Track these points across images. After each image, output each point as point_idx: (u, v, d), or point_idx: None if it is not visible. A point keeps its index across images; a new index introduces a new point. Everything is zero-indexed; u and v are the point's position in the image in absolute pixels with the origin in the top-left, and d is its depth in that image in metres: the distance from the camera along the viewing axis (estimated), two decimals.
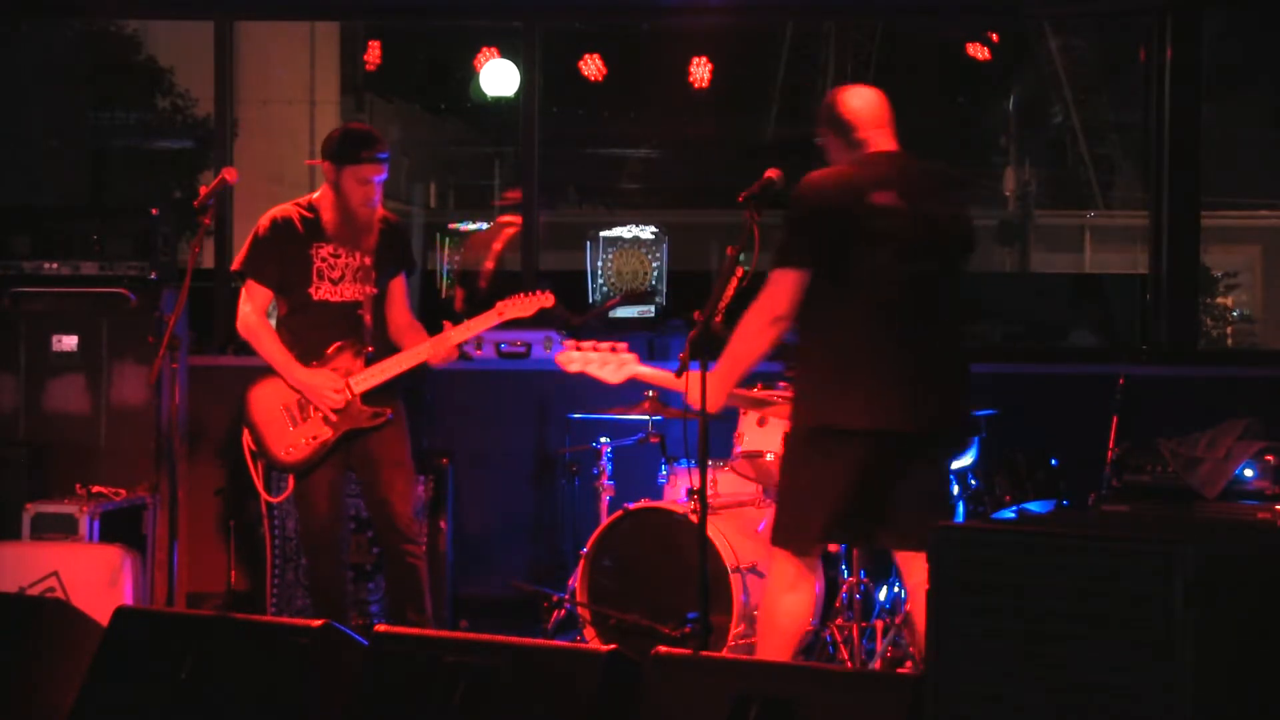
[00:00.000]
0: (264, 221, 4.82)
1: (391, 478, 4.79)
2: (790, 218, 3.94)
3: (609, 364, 4.11)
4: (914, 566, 3.90)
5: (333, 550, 4.81)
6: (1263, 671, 2.82)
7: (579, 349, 4.15)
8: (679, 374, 3.75)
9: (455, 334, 4.78)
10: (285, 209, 4.83)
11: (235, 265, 4.88)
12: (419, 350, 4.77)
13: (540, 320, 6.70)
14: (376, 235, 4.82)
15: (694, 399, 4.01)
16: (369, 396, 4.75)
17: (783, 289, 3.85)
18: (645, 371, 4.11)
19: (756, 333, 3.89)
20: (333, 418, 4.73)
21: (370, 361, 4.76)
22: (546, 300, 4.89)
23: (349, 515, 5.43)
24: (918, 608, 3.88)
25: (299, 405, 4.75)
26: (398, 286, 4.93)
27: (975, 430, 5.22)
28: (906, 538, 3.93)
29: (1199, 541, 2.67)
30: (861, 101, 4.03)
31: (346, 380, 4.74)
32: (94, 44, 9.01)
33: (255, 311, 4.81)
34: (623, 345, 4.15)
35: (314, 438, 4.73)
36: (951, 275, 3.99)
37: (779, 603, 3.99)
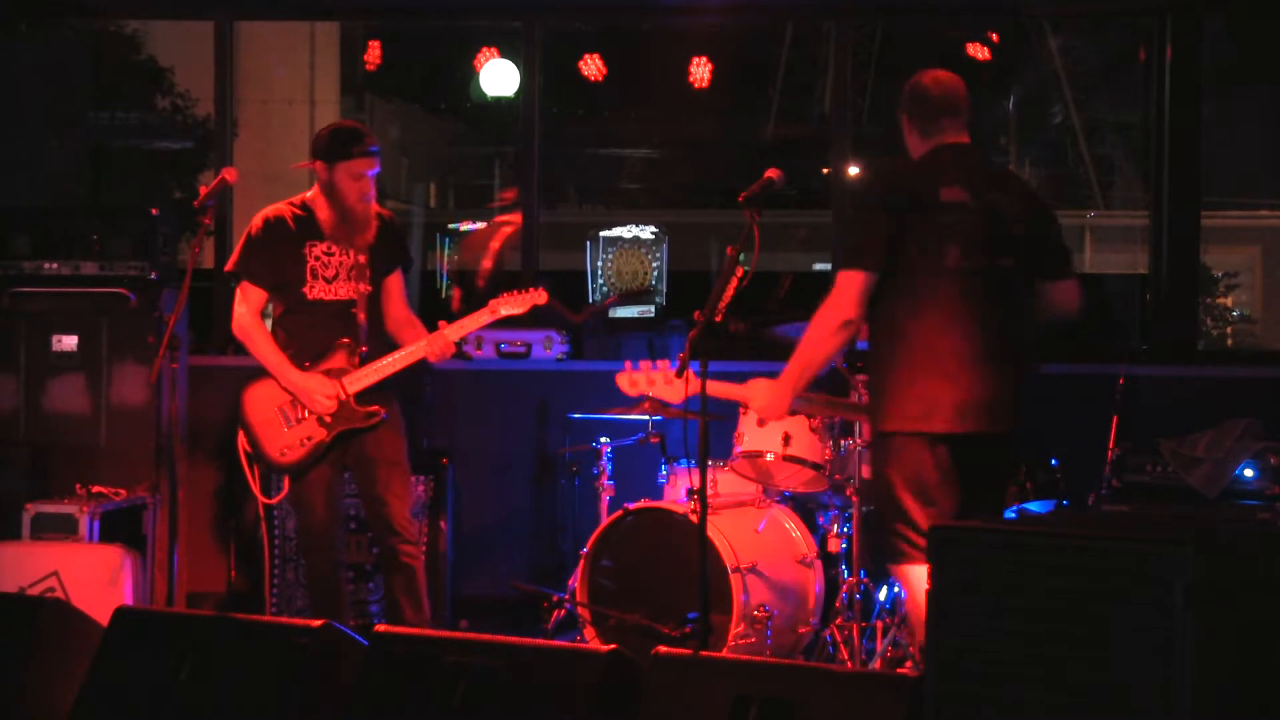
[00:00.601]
0: (256, 222, 4.81)
1: (387, 477, 4.77)
2: (857, 216, 3.92)
3: (671, 383, 4.11)
4: None
5: (329, 551, 4.80)
6: (1263, 672, 2.82)
7: (639, 370, 4.16)
8: (679, 374, 3.74)
9: (450, 331, 4.77)
10: (278, 208, 4.82)
11: (228, 266, 4.87)
12: (414, 349, 4.75)
13: (540, 320, 6.72)
14: (373, 232, 4.79)
15: (761, 408, 4.00)
16: (365, 395, 4.73)
17: (849, 291, 3.82)
18: (711, 387, 4.09)
19: (824, 337, 3.87)
20: (327, 419, 4.72)
21: (364, 360, 4.75)
22: (539, 297, 4.88)
23: (348, 516, 5.43)
24: None
25: (293, 406, 4.73)
26: (395, 283, 4.90)
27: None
28: None
29: (1199, 542, 2.67)
30: (941, 90, 3.98)
31: (340, 381, 4.72)
32: (94, 44, 9.00)
33: (249, 313, 4.80)
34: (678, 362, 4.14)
35: (309, 439, 4.72)
36: (1023, 273, 3.92)
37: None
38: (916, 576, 3.85)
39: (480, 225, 11.23)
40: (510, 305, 4.86)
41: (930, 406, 3.79)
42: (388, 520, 4.76)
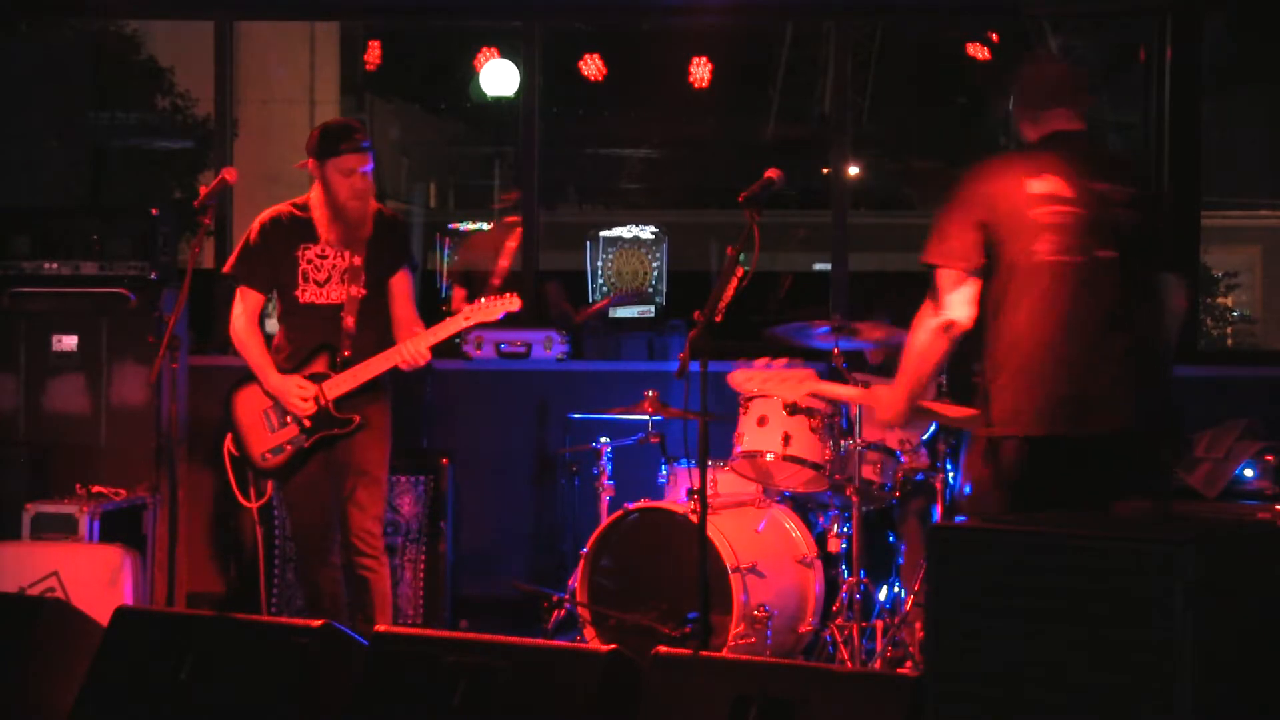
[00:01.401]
0: (254, 225, 4.77)
1: (352, 486, 4.67)
2: (941, 213, 3.77)
3: (788, 381, 3.99)
4: None
5: (321, 554, 4.73)
6: (1263, 671, 2.82)
7: (754, 368, 4.05)
8: (679, 375, 3.71)
9: (420, 338, 4.63)
10: (277, 210, 4.78)
11: (225, 269, 4.84)
12: (388, 355, 4.63)
13: (540, 320, 6.73)
14: (370, 231, 4.71)
15: (884, 415, 3.84)
16: (348, 400, 4.64)
17: (941, 289, 3.69)
18: (826, 388, 3.97)
19: (924, 337, 3.72)
20: (306, 423, 4.66)
21: (345, 365, 4.65)
22: (512, 305, 4.71)
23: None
24: None
25: (276, 410, 4.70)
26: (398, 284, 4.79)
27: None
28: None
29: (1199, 542, 2.67)
30: (1048, 77, 3.87)
31: (320, 386, 4.64)
32: (94, 44, 9.01)
33: (243, 315, 4.76)
34: (798, 361, 4.02)
35: (289, 444, 4.67)
36: (1136, 264, 3.72)
37: None
38: None
39: (479, 226, 11.23)
40: (482, 313, 4.69)
41: (1021, 407, 3.64)
42: (346, 529, 4.68)
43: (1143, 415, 3.70)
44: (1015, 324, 3.67)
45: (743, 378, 4.08)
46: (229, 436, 4.78)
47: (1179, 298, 3.89)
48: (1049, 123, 3.83)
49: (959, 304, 3.67)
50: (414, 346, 4.61)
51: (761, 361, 4.05)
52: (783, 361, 4.03)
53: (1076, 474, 3.66)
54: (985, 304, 3.71)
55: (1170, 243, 3.90)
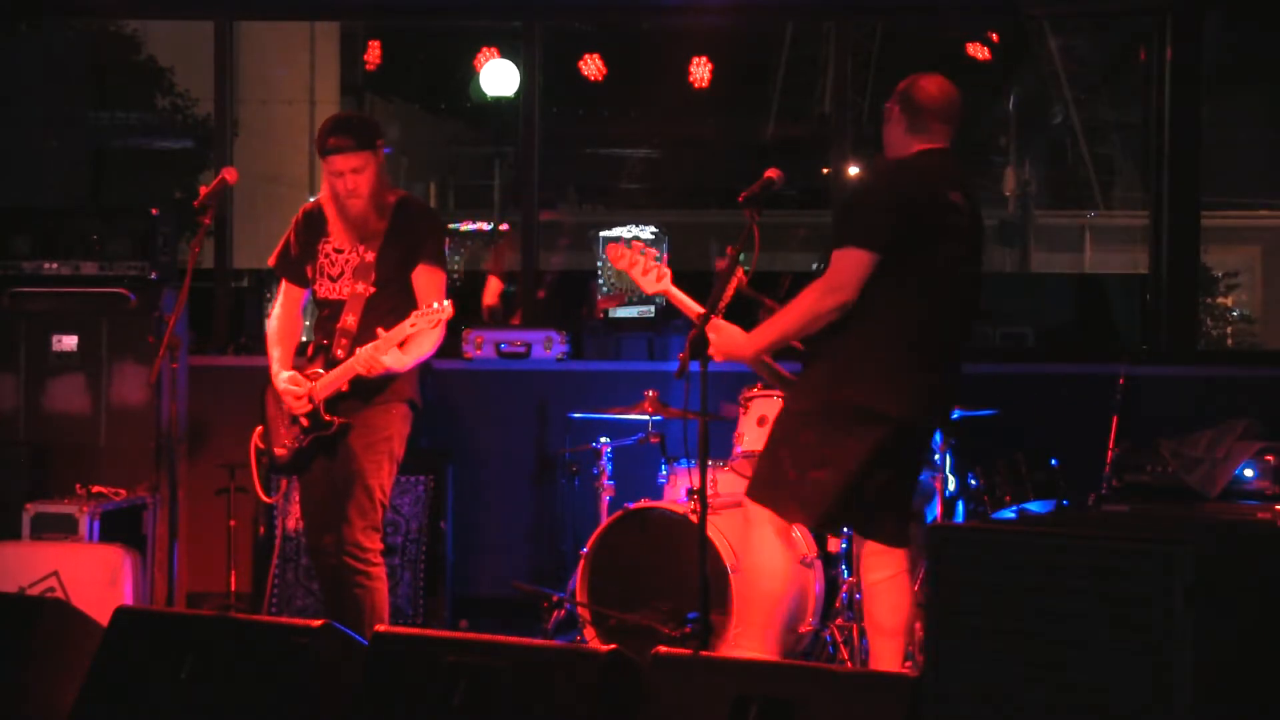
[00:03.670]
0: (294, 218, 4.73)
1: (334, 496, 4.54)
2: (869, 197, 4.03)
3: (650, 273, 4.24)
4: (885, 560, 4.05)
5: (321, 555, 4.64)
6: (1262, 672, 2.82)
7: (630, 248, 4.27)
8: (679, 374, 3.74)
9: (372, 345, 4.40)
10: (311, 203, 4.72)
11: (270, 261, 4.78)
12: (349, 364, 4.45)
13: (540, 320, 6.73)
14: (386, 225, 4.57)
15: (730, 352, 4.02)
16: (341, 403, 4.51)
17: (852, 270, 3.86)
18: (676, 294, 4.21)
19: (811, 298, 3.91)
20: (304, 422, 4.55)
21: (334, 366, 4.51)
22: (442, 313, 4.41)
23: None
24: (878, 603, 4.06)
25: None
26: (417, 281, 4.58)
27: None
28: (885, 530, 4.08)
29: (1199, 541, 2.67)
30: (945, 95, 4.06)
31: (312, 386, 4.54)
32: (94, 44, 9.00)
33: (279, 307, 4.73)
34: (664, 260, 4.23)
35: (295, 440, 4.58)
36: (976, 274, 4.14)
37: (760, 564, 4.09)
38: (768, 528, 4.08)
39: (479, 225, 11.24)
40: (424, 319, 4.41)
41: (894, 390, 3.91)
42: (339, 542, 4.52)
43: (950, 407, 4.31)
44: (911, 317, 3.92)
45: (615, 254, 4.33)
46: (258, 429, 4.73)
47: None
48: (931, 138, 4.04)
49: (859, 287, 3.87)
50: (365, 354, 4.41)
51: (638, 245, 4.28)
52: (654, 252, 4.24)
53: (905, 456, 4.05)
54: (877, 287, 3.88)
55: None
